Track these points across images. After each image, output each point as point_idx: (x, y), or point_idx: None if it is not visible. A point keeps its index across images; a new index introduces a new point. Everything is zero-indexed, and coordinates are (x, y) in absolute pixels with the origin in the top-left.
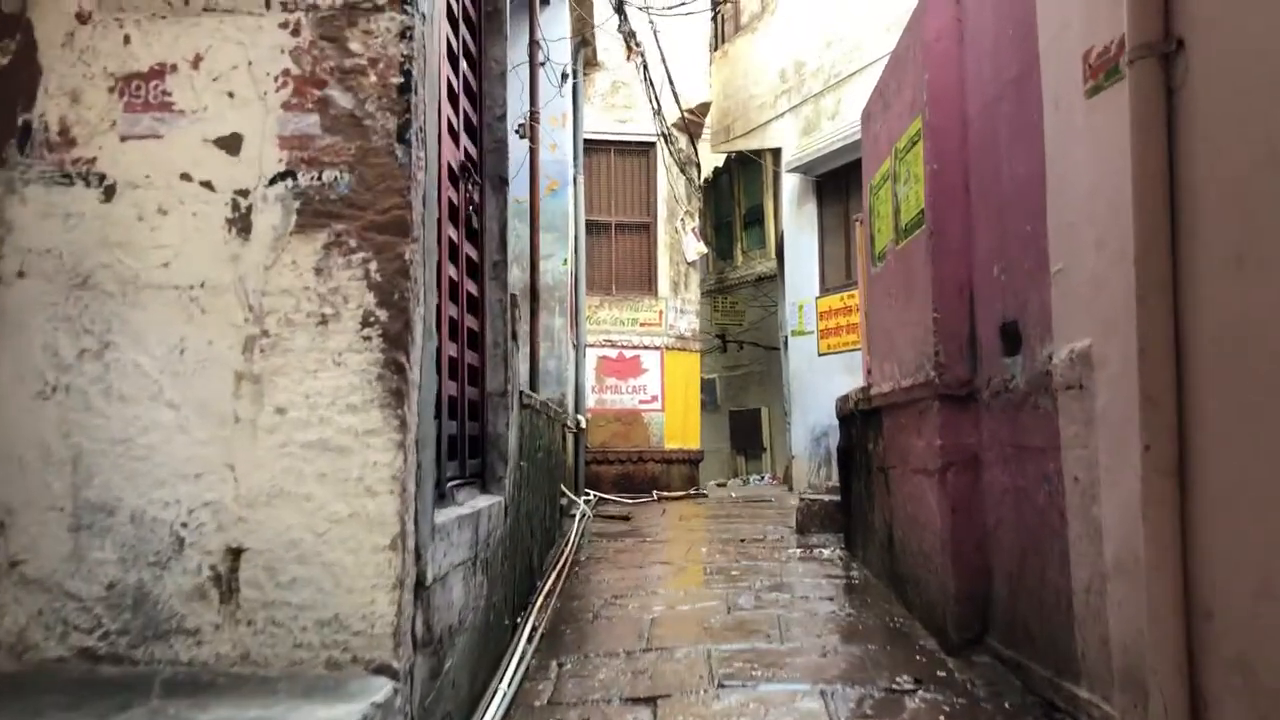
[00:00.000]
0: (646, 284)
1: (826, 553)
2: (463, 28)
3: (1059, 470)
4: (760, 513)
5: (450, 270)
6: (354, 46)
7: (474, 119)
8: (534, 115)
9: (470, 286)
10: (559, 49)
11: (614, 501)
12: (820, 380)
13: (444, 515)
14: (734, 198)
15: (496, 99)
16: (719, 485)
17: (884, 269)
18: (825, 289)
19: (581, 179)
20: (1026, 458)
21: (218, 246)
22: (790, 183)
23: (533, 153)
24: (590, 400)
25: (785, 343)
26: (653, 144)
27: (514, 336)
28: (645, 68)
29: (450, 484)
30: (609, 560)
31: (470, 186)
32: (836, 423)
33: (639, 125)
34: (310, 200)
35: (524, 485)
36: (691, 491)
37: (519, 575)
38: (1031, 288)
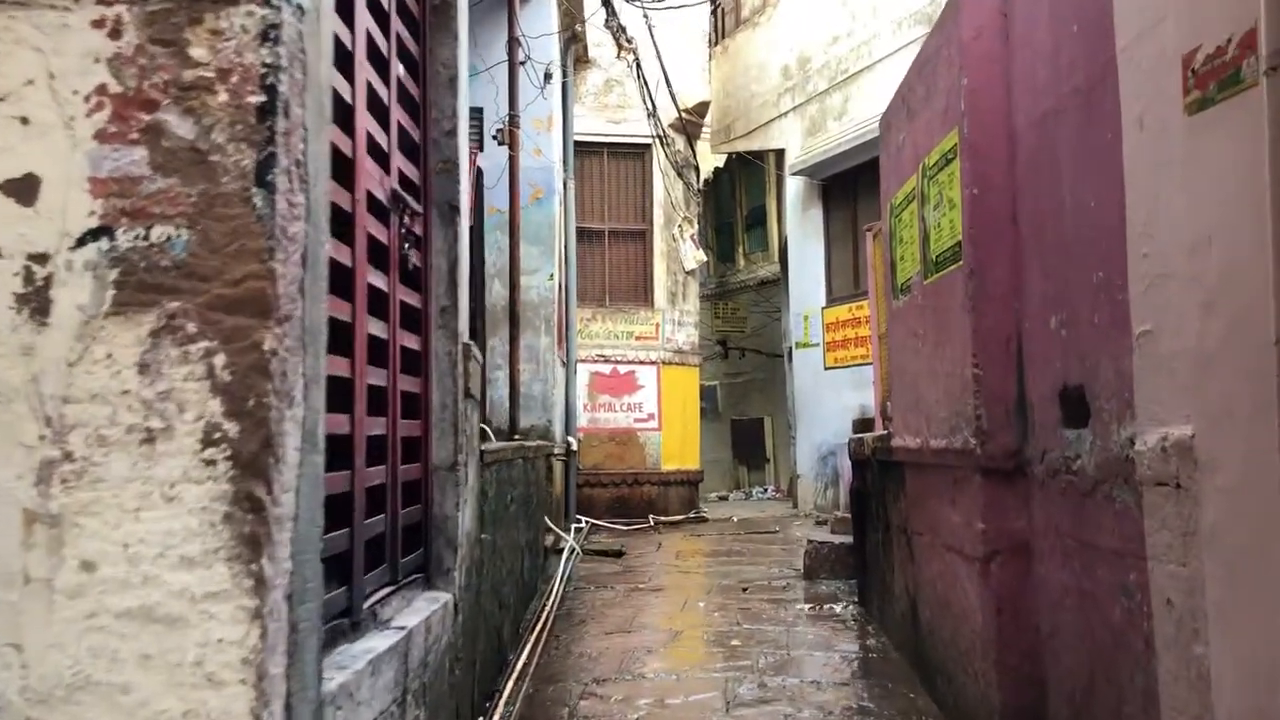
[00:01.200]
0: (642, 295)
1: (838, 609)
2: (398, 24)
3: (1143, 584)
4: (764, 549)
5: (374, 326)
6: (197, 53)
7: (415, 135)
8: (513, 119)
9: (408, 340)
10: (544, 45)
11: (607, 529)
12: (827, 395)
13: (352, 660)
14: (735, 198)
15: (445, 110)
16: (720, 498)
17: (908, 304)
18: (832, 299)
19: (572, 184)
20: (1096, 558)
21: (2, 335)
22: (794, 186)
23: (512, 160)
24: (582, 419)
25: (789, 354)
26: (648, 146)
27: (468, 394)
28: (638, 65)
29: (375, 596)
30: (594, 619)
31: (407, 219)
32: (844, 442)
33: (634, 126)
34: (133, 268)
35: (488, 561)
36: (691, 515)
37: (482, 664)
38: (1104, 350)
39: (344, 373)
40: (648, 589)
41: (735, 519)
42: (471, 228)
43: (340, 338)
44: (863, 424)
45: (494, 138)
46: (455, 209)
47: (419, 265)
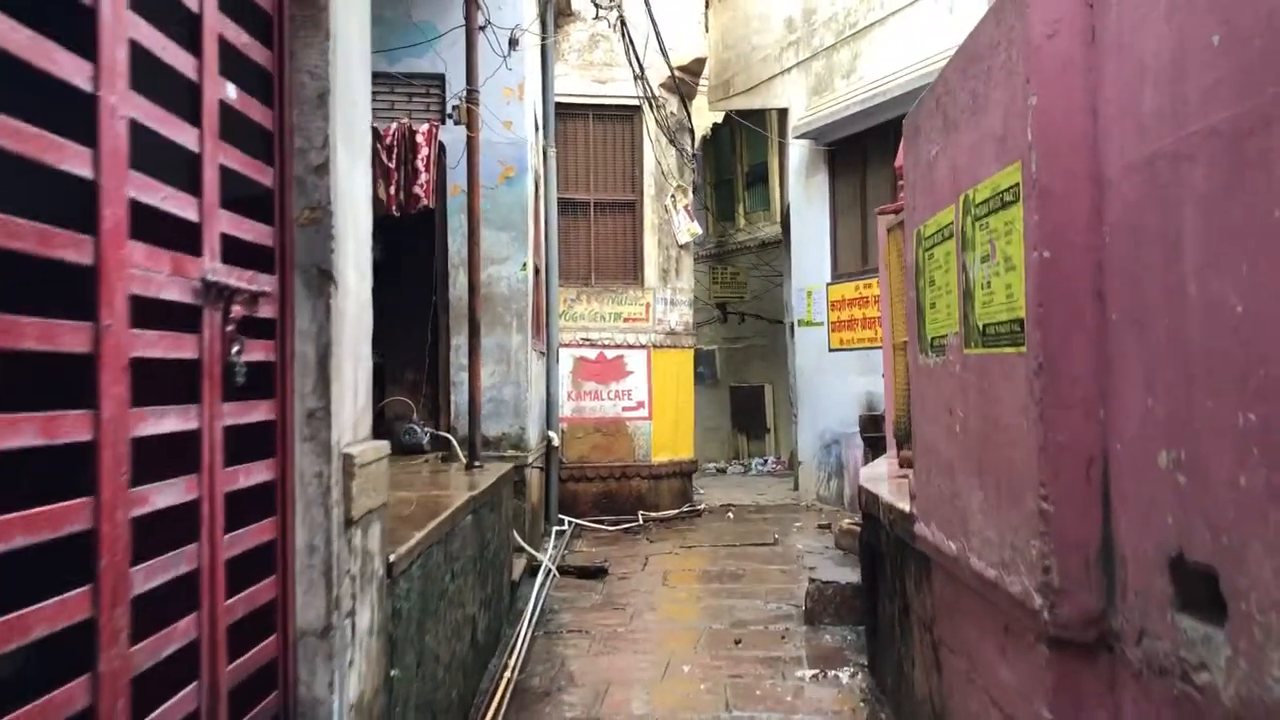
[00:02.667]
0: (631, 272)
1: (844, 677)
2: (221, 20)
3: None
4: (762, 570)
5: (168, 490)
6: None
7: (265, 178)
8: (471, 95)
9: (251, 474)
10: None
11: (593, 530)
12: (831, 379)
13: None
14: (736, 153)
15: (313, 137)
16: (718, 471)
17: (942, 370)
18: (838, 275)
19: (553, 152)
20: None
21: None
22: (798, 150)
23: (470, 143)
24: (565, 409)
25: (791, 330)
26: (638, 108)
27: (350, 523)
28: (622, 23)
29: None
30: (559, 691)
31: (238, 308)
32: (850, 431)
33: (621, 86)
34: None
35: (411, 685)
36: (684, 509)
37: None
38: (1258, 531)
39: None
40: (626, 638)
41: (731, 514)
42: (432, 210)
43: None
44: (871, 421)
45: (450, 116)
46: (328, 275)
47: (271, 360)
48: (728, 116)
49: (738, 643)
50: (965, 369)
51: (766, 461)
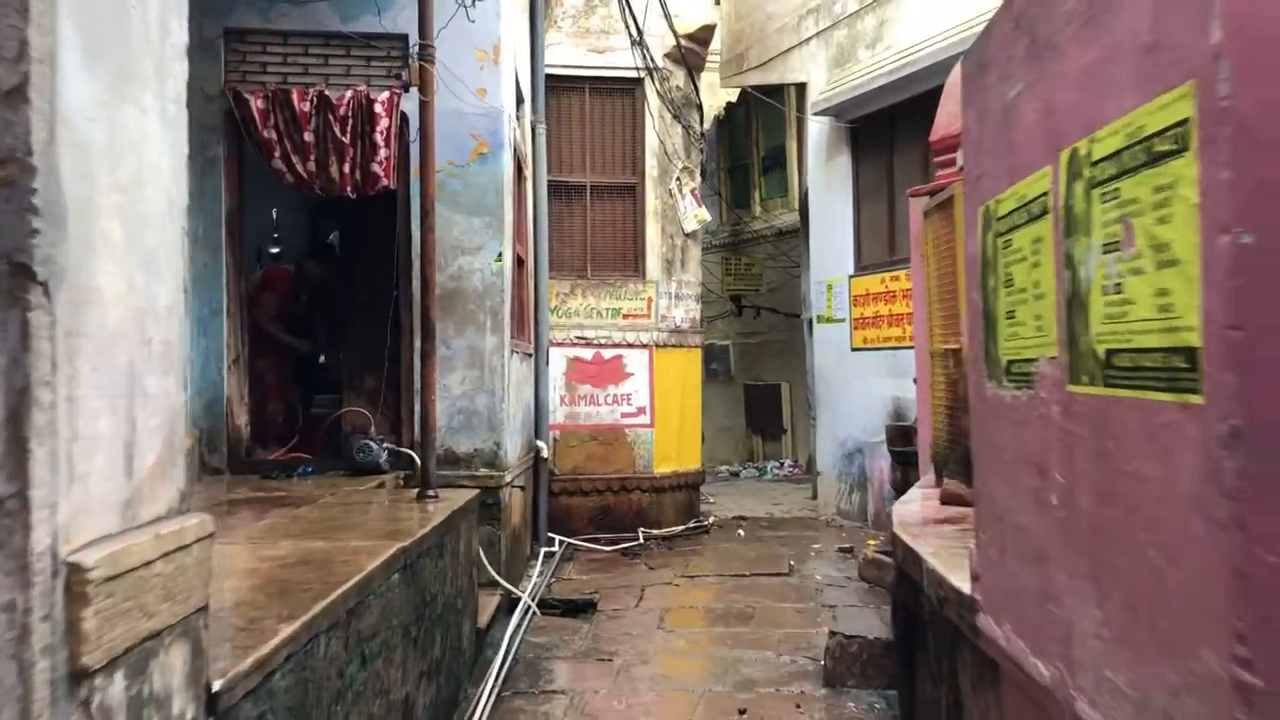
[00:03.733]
0: (631, 263)
1: None
2: None
3: None
4: (775, 609)
5: None
6: None
7: None
8: (425, 51)
9: None
10: None
11: (587, 550)
12: (853, 381)
13: None
14: (751, 136)
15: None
16: (731, 474)
17: (1026, 408)
18: (861, 267)
19: (543, 129)
20: None
21: None
22: (818, 129)
23: (425, 108)
24: (558, 415)
25: (809, 327)
26: (639, 81)
27: (86, 674)
28: None
29: None
30: None
31: None
32: (874, 441)
33: (621, 56)
34: None
35: None
36: (690, 525)
37: None
38: None
39: None
40: (609, 704)
41: (742, 530)
42: (394, 192)
43: None
44: (901, 433)
45: (397, 77)
46: (26, 273)
47: None
48: (743, 96)
49: (742, 713)
50: (1070, 415)
51: (783, 465)
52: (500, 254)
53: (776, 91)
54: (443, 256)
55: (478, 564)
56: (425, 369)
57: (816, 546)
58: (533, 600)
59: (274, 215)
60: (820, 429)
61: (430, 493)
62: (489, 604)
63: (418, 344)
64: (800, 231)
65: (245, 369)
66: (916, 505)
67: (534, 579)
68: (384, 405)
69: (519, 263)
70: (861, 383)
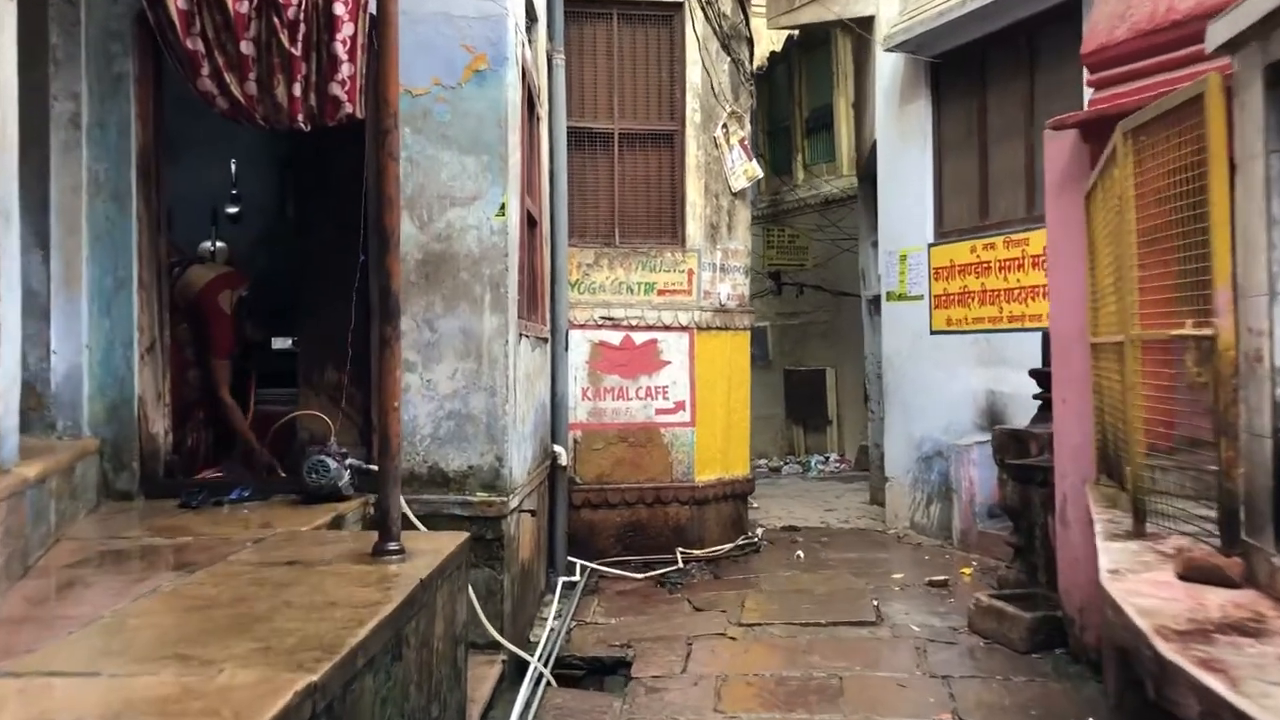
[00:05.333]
0: (667, 228)
1: None
2: None
3: None
4: (873, 687)
5: None
6: None
7: None
8: None
9: None
10: None
11: (614, 578)
12: (933, 370)
13: None
14: (794, 95)
15: None
16: (771, 470)
17: None
18: (943, 233)
19: (561, 62)
20: None
21: None
22: (888, 69)
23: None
24: (579, 411)
25: (874, 306)
26: (680, 4)
27: None
28: None
29: None
30: None
31: None
32: (962, 443)
33: None
34: None
35: None
36: (739, 542)
37: None
38: None
39: None
40: None
41: (800, 550)
42: (361, 122)
43: None
44: (1013, 442)
45: None
46: None
47: None
48: (785, 48)
49: None
50: None
51: (828, 459)
52: (503, 206)
53: (825, 47)
54: (426, 209)
55: (466, 639)
56: (383, 363)
57: (898, 577)
58: (546, 662)
59: (233, 167)
60: (889, 426)
61: (391, 546)
62: (488, 674)
63: (401, 325)
64: (859, 196)
65: (164, 359)
66: (1146, 585)
67: (548, 625)
68: (347, 406)
69: (530, 223)
70: (943, 373)
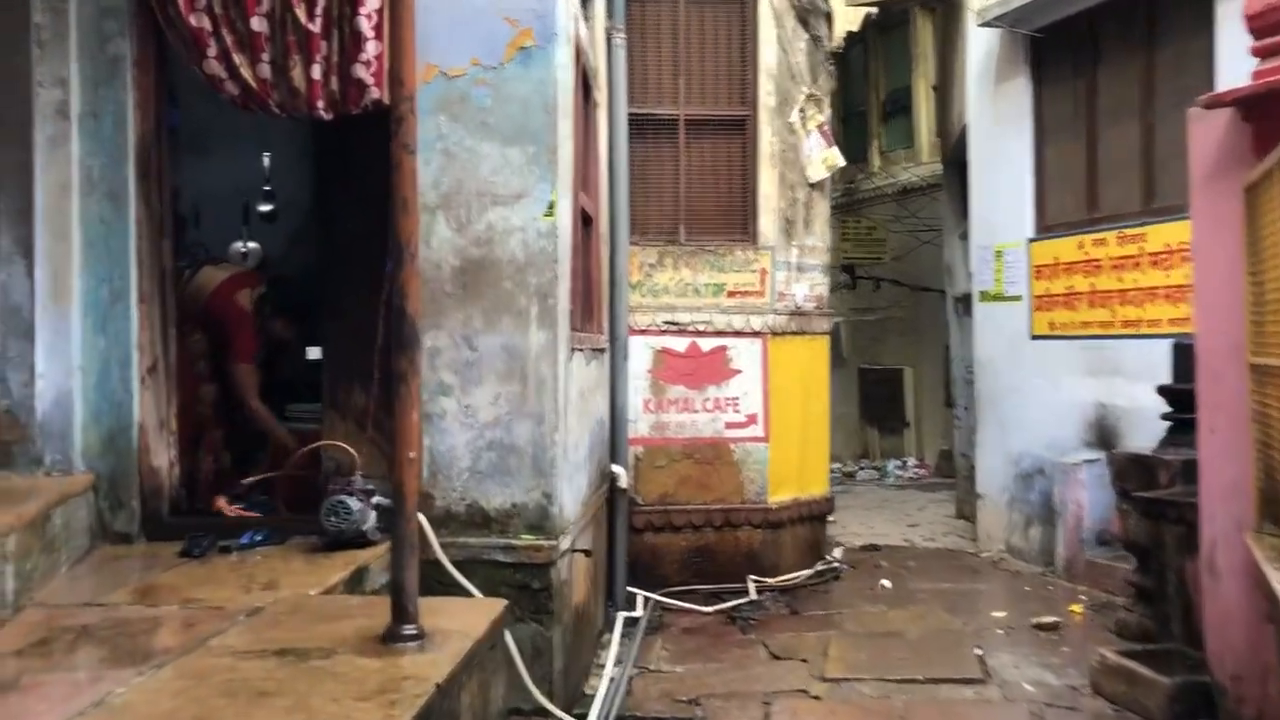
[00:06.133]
0: (738, 223)
1: None
2: None
3: None
4: None
5: None
6: None
7: None
8: None
9: None
10: None
11: (678, 611)
12: (1033, 379)
13: None
14: (869, 78)
15: None
16: (845, 475)
17: None
18: (1045, 227)
19: (622, 41)
20: None
21: None
22: (982, 47)
23: None
24: (641, 425)
25: (962, 305)
26: None
27: None
28: None
29: None
30: None
31: None
32: (1069, 463)
33: None
34: None
35: None
36: (818, 569)
37: None
38: None
39: None
40: None
41: (885, 578)
42: (388, 109)
43: None
44: (1137, 469)
45: None
46: None
47: None
48: (864, 29)
49: None
50: None
51: (905, 465)
52: (552, 205)
53: (900, 25)
54: (463, 209)
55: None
56: (399, 402)
57: (999, 615)
58: None
59: (265, 161)
60: (983, 439)
61: (407, 630)
62: None
63: (431, 343)
64: (945, 185)
65: (168, 382)
66: None
67: (606, 675)
68: (375, 432)
69: (585, 221)
70: (1046, 382)
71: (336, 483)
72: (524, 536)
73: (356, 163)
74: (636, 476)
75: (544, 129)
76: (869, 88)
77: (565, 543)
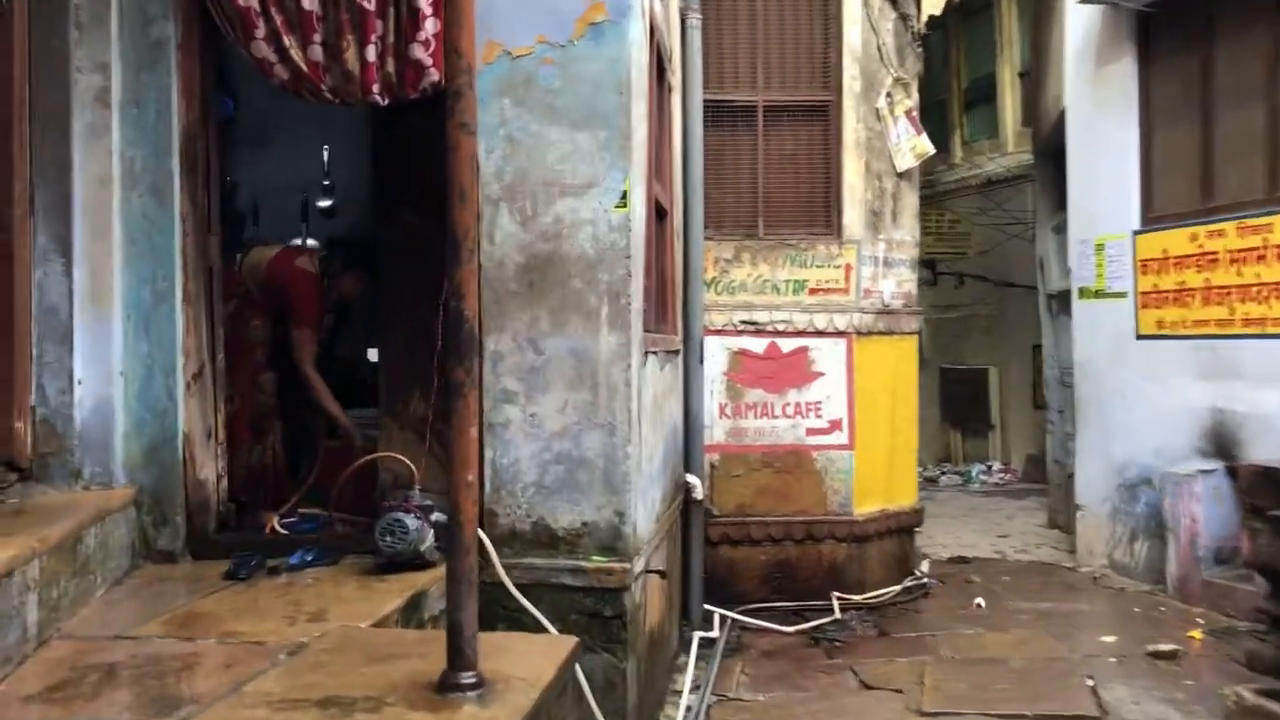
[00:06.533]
0: (820, 216)
1: None
2: None
3: None
4: None
5: None
6: None
7: None
8: None
9: None
10: None
11: (757, 635)
12: (1141, 382)
13: None
14: (951, 65)
15: None
16: (928, 480)
17: None
18: (1154, 218)
19: (698, 22)
20: None
21: None
22: (1081, 26)
23: None
24: (716, 431)
25: (1057, 302)
26: None
27: None
28: None
29: None
30: None
31: None
32: (1181, 473)
33: None
34: None
35: None
36: (906, 585)
37: None
38: None
39: None
40: None
41: (979, 596)
42: (429, 101)
43: None
44: (1271, 482)
45: None
46: None
47: None
48: (945, 14)
49: None
50: None
51: (990, 469)
52: (625, 195)
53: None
54: (529, 200)
55: None
56: (456, 418)
57: (1108, 640)
58: None
59: (325, 154)
60: (1083, 446)
61: (465, 679)
62: None
63: (490, 344)
64: (1036, 176)
65: (216, 388)
66: None
67: (682, 703)
68: (435, 442)
69: (659, 214)
70: (1154, 385)
71: (394, 497)
72: (595, 558)
73: (415, 152)
74: (712, 486)
75: (616, 112)
76: (951, 75)
77: (639, 564)
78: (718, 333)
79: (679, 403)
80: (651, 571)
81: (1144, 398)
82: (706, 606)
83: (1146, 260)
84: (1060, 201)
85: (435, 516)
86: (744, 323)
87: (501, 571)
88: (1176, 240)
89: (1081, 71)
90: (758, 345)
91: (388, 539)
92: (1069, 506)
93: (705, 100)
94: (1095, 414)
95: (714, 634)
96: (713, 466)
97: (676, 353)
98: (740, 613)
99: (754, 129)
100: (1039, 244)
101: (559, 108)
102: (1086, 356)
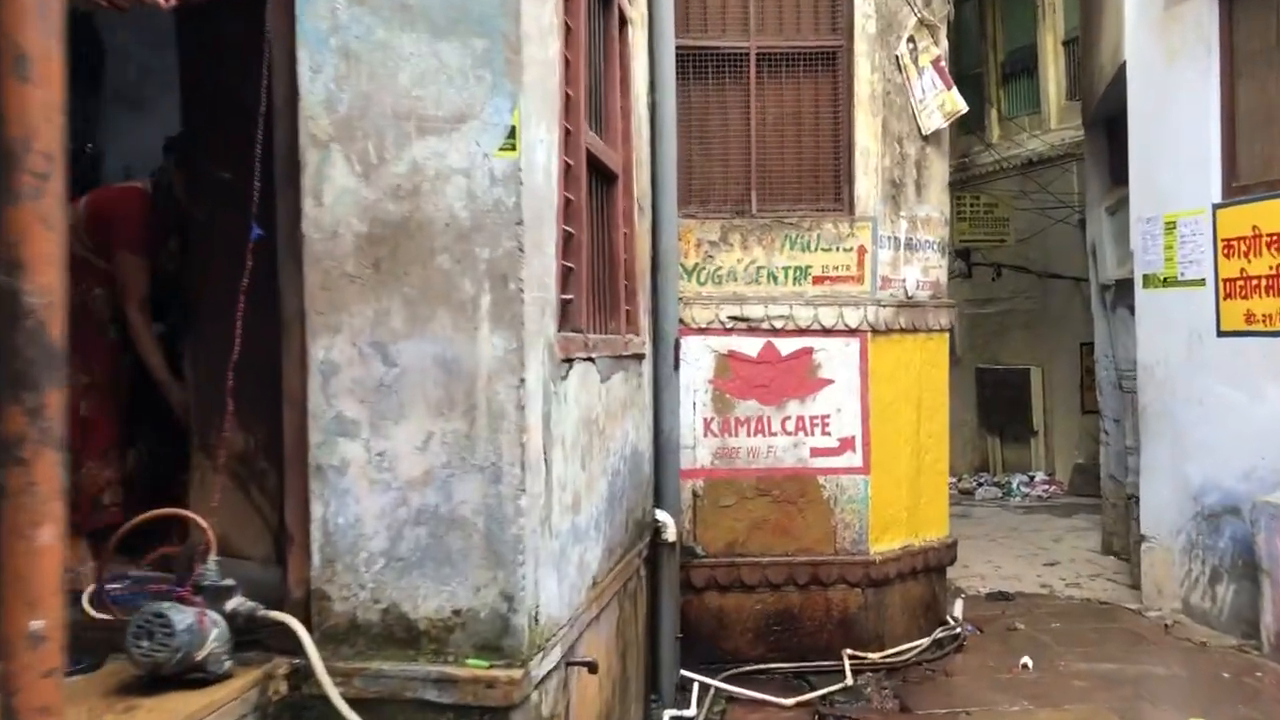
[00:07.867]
0: (828, 187)
1: None
2: None
3: None
4: None
5: None
6: None
7: None
8: None
9: None
10: None
11: (750, 704)
12: (1224, 388)
13: None
14: (987, 36)
15: None
16: (963, 493)
17: None
18: (1239, 188)
19: None
20: None
21: None
22: None
23: None
24: (701, 452)
25: (1111, 293)
26: None
27: None
28: None
29: None
30: None
31: None
32: (1275, 500)
33: None
34: None
35: None
36: (937, 636)
37: None
38: None
39: None
40: None
41: (1026, 654)
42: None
43: None
44: None
45: None
46: None
47: None
48: None
49: None
50: None
51: (1032, 480)
52: (512, 132)
53: None
54: (372, 140)
55: None
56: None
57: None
58: None
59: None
60: (1149, 464)
61: None
62: None
63: (316, 350)
64: (1086, 150)
65: None
66: None
67: None
68: (255, 487)
69: (602, 176)
70: (1242, 393)
71: (176, 574)
72: (471, 662)
73: (228, 80)
74: (695, 519)
75: (498, 12)
76: (987, 46)
77: (543, 665)
78: (701, 331)
79: (644, 422)
80: (576, 664)
81: (1229, 408)
82: (684, 673)
83: (1230, 240)
84: (1116, 177)
85: (233, 604)
86: (733, 319)
87: (328, 684)
88: (1269, 214)
89: (1146, 13)
90: (751, 346)
91: (144, 644)
92: (1128, 532)
93: (685, 47)
94: (1165, 426)
95: (690, 712)
96: (696, 495)
97: (638, 358)
98: (729, 677)
99: (745, 82)
100: (1090, 228)
101: (415, 6)
102: (1153, 357)
